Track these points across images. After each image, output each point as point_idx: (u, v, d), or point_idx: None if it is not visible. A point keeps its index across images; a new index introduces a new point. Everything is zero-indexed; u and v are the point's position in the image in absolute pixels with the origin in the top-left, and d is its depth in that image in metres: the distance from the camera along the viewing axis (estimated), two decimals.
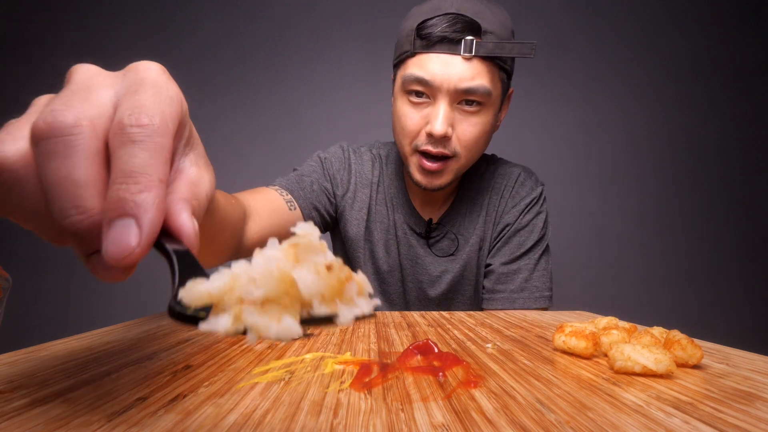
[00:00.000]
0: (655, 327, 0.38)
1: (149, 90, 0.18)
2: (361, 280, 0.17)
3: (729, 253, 1.88)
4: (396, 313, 0.56)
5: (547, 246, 0.75)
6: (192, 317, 0.15)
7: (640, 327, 0.42)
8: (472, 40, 0.60)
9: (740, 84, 1.88)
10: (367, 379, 0.27)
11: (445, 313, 0.57)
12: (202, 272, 0.18)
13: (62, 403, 0.22)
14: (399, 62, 0.67)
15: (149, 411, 0.21)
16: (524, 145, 1.79)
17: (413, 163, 0.67)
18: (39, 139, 0.16)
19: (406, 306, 0.79)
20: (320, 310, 0.15)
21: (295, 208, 0.67)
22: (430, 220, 0.75)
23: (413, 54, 0.64)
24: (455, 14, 0.61)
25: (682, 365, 0.31)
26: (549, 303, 0.71)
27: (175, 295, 0.16)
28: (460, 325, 0.47)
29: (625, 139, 1.88)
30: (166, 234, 0.18)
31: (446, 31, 0.60)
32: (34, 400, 0.23)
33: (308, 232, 0.17)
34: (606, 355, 0.34)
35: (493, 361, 0.32)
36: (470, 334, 0.43)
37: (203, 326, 0.15)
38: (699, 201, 1.88)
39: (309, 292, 0.15)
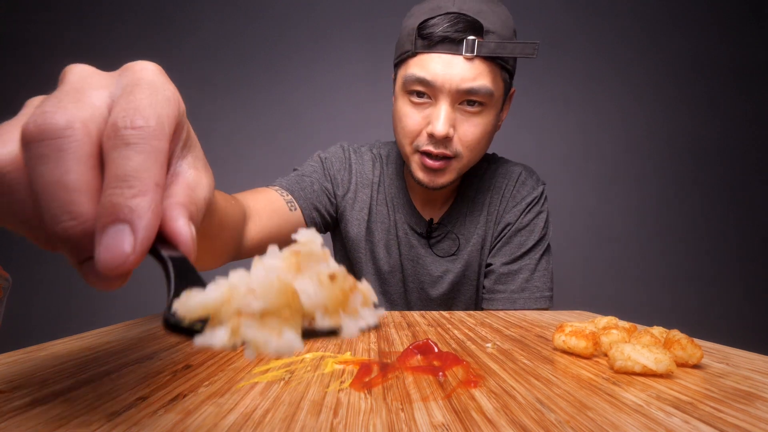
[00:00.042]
0: (655, 327, 0.38)
1: (145, 91, 0.18)
2: (365, 289, 0.16)
3: (729, 253, 1.88)
4: (396, 313, 0.56)
5: (548, 246, 0.74)
6: (188, 329, 0.14)
7: (640, 327, 0.42)
8: (474, 40, 0.60)
9: (740, 84, 1.88)
10: (367, 379, 0.27)
11: (445, 313, 0.56)
12: (199, 280, 0.17)
13: (62, 403, 0.22)
14: (400, 62, 0.67)
15: (149, 411, 0.21)
16: (524, 145, 1.79)
17: (415, 161, 0.67)
18: (29, 142, 0.16)
19: (407, 306, 0.79)
20: (323, 322, 0.15)
21: (295, 209, 0.67)
22: (431, 220, 0.75)
23: (414, 54, 0.63)
24: (457, 13, 0.60)
25: (682, 365, 0.31)
26: (550, 303, 0.71)
27: (170, 305, 0.15)
28: (460, 325, 0.47)
29: (625, 139, 1.89)
30: (161, 240, 0.18)
31: (448, 31, 0.60)
32: (34, 400, 0.23)
33: (310, 239, 0.16)
34: (606, 355, 0.34)
35: (493, 360, 0.32)
36: (470, 333, 0.43)
37: (198, 340, 0.14)
38: (699, 201, 1.88)
39: (311, 304, 0.14)
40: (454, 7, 0.61)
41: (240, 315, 0.14)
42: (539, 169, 0.87)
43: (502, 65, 0.63)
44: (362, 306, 0.16)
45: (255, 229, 0.57)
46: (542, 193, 0.76)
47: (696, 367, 0.31)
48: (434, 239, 0.76)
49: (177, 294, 0.15)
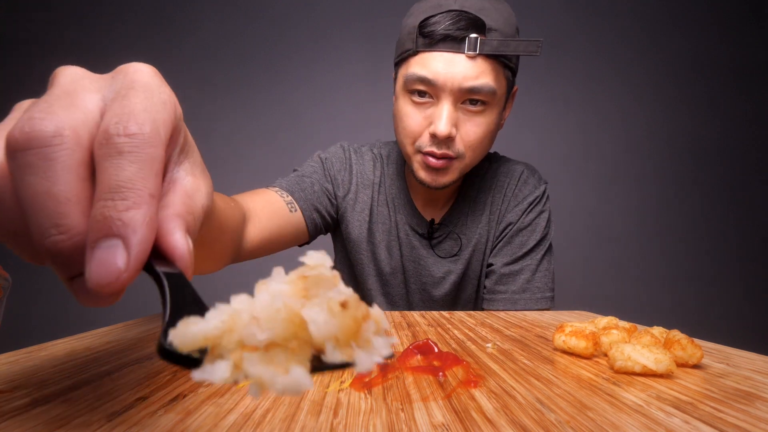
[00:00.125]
0: (655, 327, 0.38)
1: (139, 94, 0.17)
2: (377, 316, 0.15)
3: (729, 253, 1.88)
4: (396, 313, 0.56)
5: (550, 245, 0.74)
6: (185, 358, 0.13)
7: (640, 327, 0.42)
8: (476, 38, 0.58)
9: (740, 84, 1.88)
10: (367, 379, 0.27)
11: (445, 313, 0.56)
12: (196, 299, 0.16)
13: (62, 403, 0.22)
14: (401, 61, 0.66)
15: (149, 411, 0.21)
16: (524, 145, 1.79)
17: (417, 161, 0.66)
18: (15, 150, 0.15)
19: (409, 307, 0.78)
20: (334, 356, 0.13)
21: (295, 210, 0.66)
22: (432, 220, 0.74)
23: (415, 52, 0.62)
24: (458, 11, 0.59)
25: (682, 365, 0.31)
26: (551, 304, 0.70)
27: (165, 329, 0.14)
28: (460, 325, 0.47)
29: (625, 139, 1.89)
30: (156, 255, 0.17)
31: (450, 29, 0.59)
32: (34, 400, 0.23)
33: (319, 262, 0.15)
34: (606, 355, 0.34)
35: (493, 361, 0.32)
36: (470, 333, 0.43)
37: (196, 375, 0.12)
38: (699, 201, 1.88)
39: (321, 335, 0.13)
40: (456, 4, 0.60)
41: (243, 347, 0.13)
42: (539, 168, 0.87)
43: (504, 63, 0.62)
44: (374, 334, 0.15)
45: (255, 231, 0.56)
46: (544, 192, 0.75)
47: (696, 367, 0.31)
48: (436, 240, 0.75)
49: (173, 315, 0.15)
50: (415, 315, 0.55)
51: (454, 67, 0.59)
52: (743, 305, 1.87)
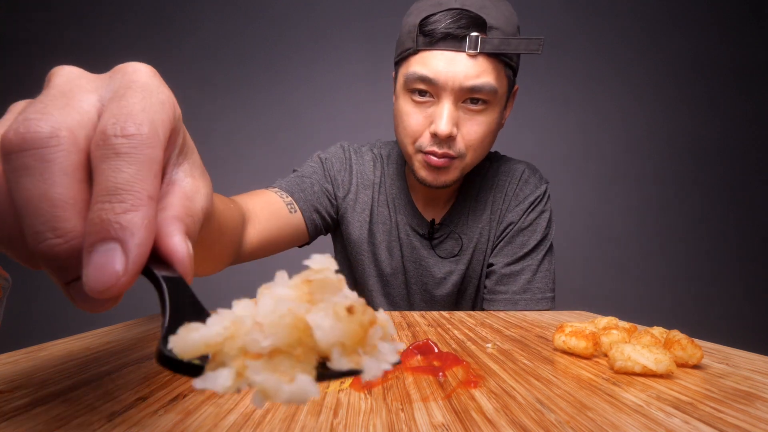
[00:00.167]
0: (655, 327, 0.38)
1: (137, 94, 0.16)
2: (383, 321, 0.14)
3: (729, 253, 1.88)
4: (396, 313, 0.55)
5: (551, 245, 0.73)
6: (185, 365, 0.13)
7: (640, 327, 0.42)
8: (478, 37, 0.58)
9: (740, 84, 1.89)
10: (363, 381, 0.27)
11: (445, 313, 0.56)
12: (196, 303, 0.16)
13: (62, 403, 0.22)
14: (401, 60, 0.65)
15: (149, 411, 0.21)
16: (524, 145, 1.79)
17: (418, 161, 0.65)
18: (10, 152, 0.14)
19: (410, 308, 0.78)
20: (341, 363, 0.13)
21: (295, 211, 0.66)
22: (433, 220, 0.74)
23: (416, 51, 0.62)
24: (459, 9, 0.59)
25: (682, 365, 0.31)
26: (552, 304, 0.70)
27: (165, 335, 0.13)
28: (460, 325, 0.47)
29: (625, 139, 1.89)
30: (155, 258, 0.16)
31: (450, 27, 0.58)
32: (34, 400, 0.23)
33: (324, 265, 0.14)
34: (606, 355, 0.34)
35: (493, 361, 0.32)
36: (470, 334, 0.43)
37: (198, 384, 0.12)
38: (699, 201, 1.89)
39: (327, 341, 0.13)
40: (457, 3, 0.59)
41: (246, 354, 0.12)
42: (539, 169, 0.86)
43: (506, 62, 0.62)
44: (381, 340, 0.14)
45: (254, 232, 0.56)
46: (545, 191, 0.75)
47: (696, 367, 0.31)
48: (436, 240, 0.75)
49: (172, 320, 0.14)
50: (415, 315, 0.55)
51: (455, 66, 0.59)
52: (743, 305, 1.87)
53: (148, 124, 0.16)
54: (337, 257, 0.83)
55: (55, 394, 0.24)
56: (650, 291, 1.86)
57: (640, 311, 1.81)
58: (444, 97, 0.61)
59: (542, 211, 0.74)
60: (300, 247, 0.73)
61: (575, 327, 0.35)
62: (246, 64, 1.83)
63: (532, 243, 0.71)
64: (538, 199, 0.74)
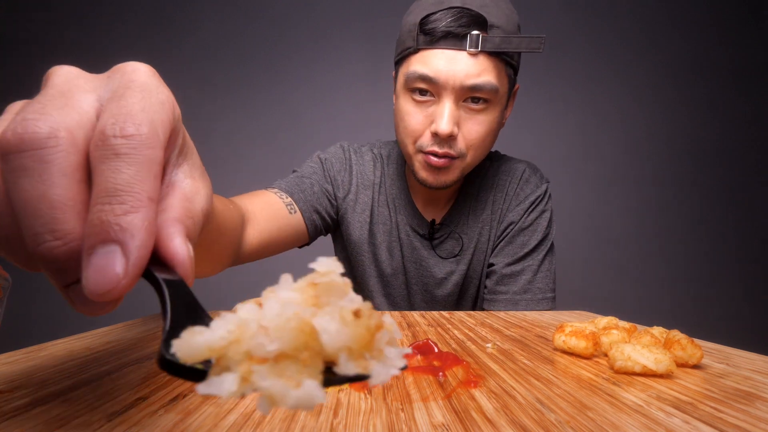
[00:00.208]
0: (655, 327, 0.38)
1: (137, 94, 0.16)
2: (389, 326, 0.14)
3: (729, 254, 1.88)
4: (396, 313, 0.55)
5: (552, 245, 0.73)
6: (187, 369, 0.12)
7: (640, 327, 0.42)
8: (478, 35, 0.57)
9: (739, 85, 1.89)
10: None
11: (445, 313, 0.56)
12: (197, 307, 0.16)
13: (62, 403, 0.22)
14: (401, 59, 0.65)
15: (149, 411, 0.21)
16: (523, 146, 1.79)
17: (418, 161, 0.65)
18: (8, 153, 0.14)
19: (410, 308, 0.78)
20: (348, 368, 0.13)
21: (295, 212, 0.66)
22: (433, 221, 0.74)
23: (416, 50, 0.61)
24: (460, 8, 0.58)
25: (682, 365, 0.31)
26: (552, 305, 0.70)
27: (166, 338, 0.13)
28: (460, 325, 0.47)
29: (625, 140, 1.89)
30: (155, 261, 0.16)
31: (451, 26, 0.58)
32: (34, 400, 0.23)
33: (330, 268, 0.14)
34: (606, 355, 0.34)
35: (493, 361, 0.32)
36: (470, 334, 0.43)
37: (202, 389, 0.12)
38: (698, 202, 1.89)
39: (333, 345, 0.12)
40: (457, 1, 0.59)
41: (251, 359, 0.12)
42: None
43: (506, 61, 0.62)
44: (387, 345, 0.14)
45: (254, 233, 0.56)
46: (546, 191, 0.75)
47: (696, 367, 0.31)
48: (437, 240, 0.75)
49: (174, 324, 0.14)
50: (415, 315, 0.55)
51: (456, 65, 0.59)
52: (743, 306, 1.87)
53: (148, 124, 0.16)
54: (337, 258, 0.83)
55: (55, 394, 0.24)
56: (650, 292, 1.86)
57: (639, 312, 1.81)
58: (445, 96, 0.60)
59: (543, 211, 0.73)
60: (300, 247, 0.73)
61: (575, 327, 0.35)
62: (246, 64, 1.83)
63: (533, 243, 0.71)
64: (539, 199, 0.74)
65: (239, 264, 0.56)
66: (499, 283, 0.71)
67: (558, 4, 1.86)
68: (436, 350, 0.33)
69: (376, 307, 0.70)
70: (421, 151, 0.64)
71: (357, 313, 0.13)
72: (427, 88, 0.61)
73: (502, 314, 0.58)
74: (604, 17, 1.87)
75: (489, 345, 0.38)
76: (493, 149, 0.77)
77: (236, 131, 1.84)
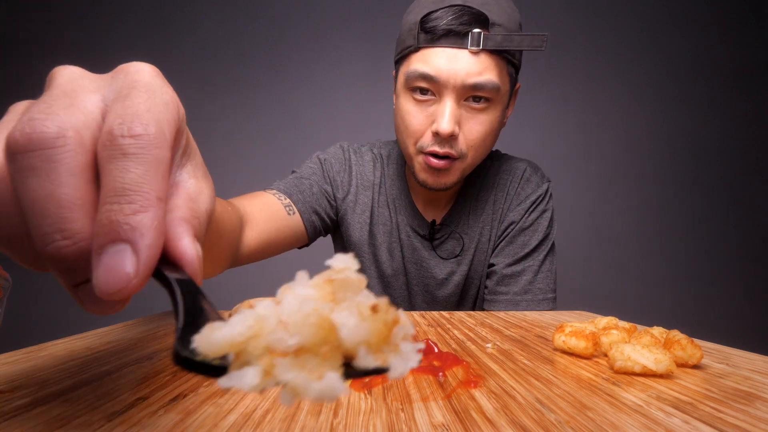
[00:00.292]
0: (655, 327, 0.38)
1: (142, 94, 0.16)
2: (404, 321, 0.15)
3: (729, 253, 1.88)
4: None
5: (553, 245, 0.73)
6: (203, 365, 0.13)
7: (640, 327, 0.42)
8: (480, 33, 0.57)
9: (740, 84, 1.89)
10: (367, 379, 0.27)
11: (445, 313, 0.56)
12: (208, 305, 0.16)
13: (62, 403, 0.22)
14: (401, 58, 0.64)
15: (149, 411, 0.21)
16: (524, 145, 1.79)
17: (418, 162, 0.65)
18: (16, 152, 0.14)
19: (411, 309, 0.77)
20: (367, 361, 0.13)
21: (294, 213, 0.65)
22: (434, 221, 0.73)
23: (417, 49, 0.61)
24: (461, 6, 0.58)
25: (682, 365, 0.31)
26: (553, 305, 0.70)
27: (181, 336, 0.13)
28: (460, 325, 0.47)
29: (625, 139, 1.89)
30: (163, 260, 0.16)
31: (452, 24, 0.57)
32: (34, 400, 0.23)
33: (346, 265, 0.14)
34: (606, 355, 0.34)
35: (493, 361, 0.32)
36: (470, 334, 0.43)
37: (224, 382, 0.12)
38: (699, 201, 1.89)
39: (352, 340, 0.13)
40: None
41: (272, 353, 0.12)
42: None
43: (508, 59, 0.61)
44: (402, 340, 0.14)
45: (252, 235, 0.55)
46: (547, 190, 0.74)
47: (696, 367, 0.31)
48: (437, 241, 0.74)
49: (187, 323, 0.14)
50: (415, 315, 0.55)
51: (457, 63, 0.58)
52: (743, 305, 1.87)
53: (155, 124, 0.16)
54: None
55: (55, 394, 0.24)
56: (650, 291, 1.86)
57: (640, 311, 1.81)
58: (446, 95, 0.60)
59: (544, 211, 0.73)
60: (299, 248, 0.72)
61: (575, 327, 0.35)
62: (246, 64, 1.84)
63: (534, 243, 0.71)
64: (540, 199, 0.73)
65: (238, 265, 0.56)
66: (500, 283, 0.71)
67: (559, 2, 1.86)
68: (436, 350, 0.33)
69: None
70: (421, 151, 0.64)
71: (375, 308, 0.13)
72: (428, 87, 0.61)
73: (502, 314, 0.58)
74: (605, 16, 1.87)
75: (489, 345, 0.38)
76: (493, 148, 0.77)
77: (236, 131, 1.84)
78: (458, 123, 0.61)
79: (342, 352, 0.13)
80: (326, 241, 0.84)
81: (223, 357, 0.13)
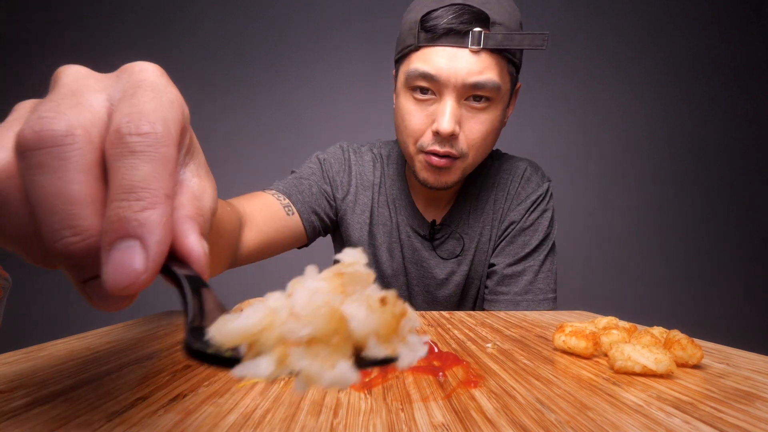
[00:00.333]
0: (655, 327, 0.38)
1: (148, 94, 0.17)
2: (411, 314, 0.15)
3: (729, 253, 1.88)
4: None
5: (553, 245, 0.73)
6: (215, 357, 0.13)
7: (640, 327, 0.42)
8: (480, 32, 0.56)
9: (741, 83, 1.89)
10: (367, 379, 0.27)
11: (445, 313, 0.56)
12: (216, 300, 0.16)
13: (62, 403, 0.22)
14: (401, 57, 0.64)
15: (149, 411, 0.21)
16: (524, 145, 1.79)
17: (419, 161, 0.65)
18: (26, 150, 0.14)
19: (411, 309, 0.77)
20: (377, 351, 0.13)
21: (293, 213, 0.65)
22: (434, 221, 0.73)
23: (417, 48, 0.60)
24: (462, 4, 0.58)
25: (682, 365, 0.31)
26: (553, 305, 0.69)
27: (192, 329, 0.14)
28: (460, 325, 0.47)
29: (626, 139, 1.89)
30: (171, 257, 0.16)
31: (453, 23, 0.57)
32: (34, 400, 0.23)
33: (355, 259, 0.15)
34: (606, 355, 0.34)
35: (493, 361, 0.32)
36: (470, 334, 0.43)
37: (239, 371, 0.12)
38: (699, 201, 1.89)
39: (362, 331, 0.13)
40: None
41: (285, 343, 0.13)
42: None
43: (509, 58, 0.61)
44: (409, 333, 0.15)
45: (251, 235, 0.55)
46: (547, 190, 0.74)
47: (696, 367, 0.31)
48: (438, 241, 0.74)
49: (196, 318, 0.14)
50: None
51: (458, 62, 0.58)
52: (743, 305, 1.87)
53: (162, 122, 0.16)
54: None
55: (55, 393, 0.24)
56: (650, 291, 1.86)
57: (640, 311, 1.81)
58: (446, 94, 0.59)
59: (544, 210, 0.73)
60: (299, 249, 0.72)
61: (575, 327, 0.35)
62: (246, 64, 1.84)
63: (534, 243, 0.71)
64: (540, 198, 0.73)
65: (237, 266, 0.56)
66: (500, 283, 0.70)
67: (559, 2, 1.86)
68: (436, 350, 0.33)
69: None
70: (422, 150, 0.63)
71: (383, 301, 0.14)
72: (428, 87, 0.60)
73: (502, 314, 0.58)
74: (606, 15, 1.87)
75: (489, 345, 0.38)
76: (494, 148, 0.76)
77: (236, 131, 1.84)
78: (459, 122, 0.61)
79: (352, 343, 0.13)
80: (326, 241, 0.83)
81: (234, 349, 0.13)
